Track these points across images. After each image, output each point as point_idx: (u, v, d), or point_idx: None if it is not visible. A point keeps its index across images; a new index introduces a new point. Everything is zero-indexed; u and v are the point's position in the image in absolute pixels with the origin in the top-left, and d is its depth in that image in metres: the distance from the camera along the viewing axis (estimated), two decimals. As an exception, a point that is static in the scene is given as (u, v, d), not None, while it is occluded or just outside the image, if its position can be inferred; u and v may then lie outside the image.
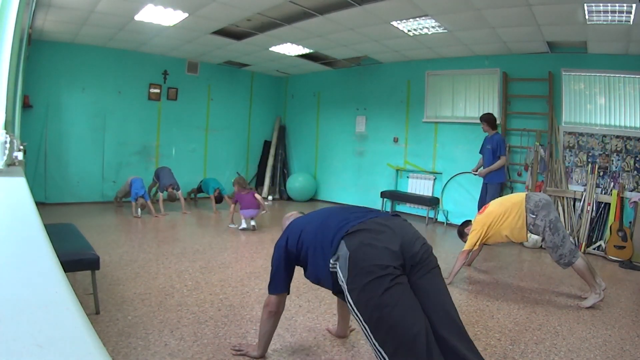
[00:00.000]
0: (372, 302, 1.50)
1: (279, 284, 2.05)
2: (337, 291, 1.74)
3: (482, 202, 5.23)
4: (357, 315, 1.57)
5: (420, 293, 1.57)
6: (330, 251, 1.70)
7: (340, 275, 1.64)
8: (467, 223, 3.94)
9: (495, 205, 3.59)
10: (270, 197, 8.59)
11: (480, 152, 5.71)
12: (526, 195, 3.46)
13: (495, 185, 5.38)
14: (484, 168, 5.56)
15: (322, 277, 1.81)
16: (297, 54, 7.06)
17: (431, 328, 1.50)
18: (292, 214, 2.37)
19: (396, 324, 1.47)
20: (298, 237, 1.95)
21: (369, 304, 1.51)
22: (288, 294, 2.12)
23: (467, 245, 3.59)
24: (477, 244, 3.55)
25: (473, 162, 6.34)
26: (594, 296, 3.22)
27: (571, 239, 3.50)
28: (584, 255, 3.46)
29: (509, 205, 3.45)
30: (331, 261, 1.69)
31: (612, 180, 5.24)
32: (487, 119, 5.50)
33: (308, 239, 1.90)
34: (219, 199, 6.90)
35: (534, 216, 3.31)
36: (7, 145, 1.78)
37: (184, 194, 6.96)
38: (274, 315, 2.11)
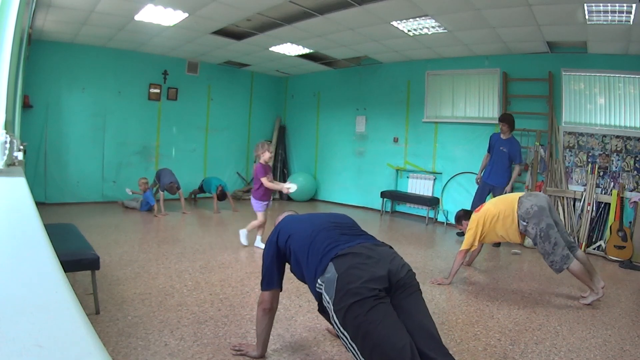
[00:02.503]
0: (358, 320, 1.56)
1: (272, 280, 2.06)
2: (322, 310, 1.81)
3: (477, 203, 5.06)
4: (343, 335, 1.61)
5: (402, 312, 1.64)
6: (319, 270, 1.75)
7: (325, 296, 1.69)
8: (467, 212, 3.90)
9: (491, 205, 3.57)
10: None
11: (488, 152, 5.55)
12: (519, 199, 3.38)
13: (502, 189, 5.24)
14: (491, 169, 5.40)
15: (311, 291, 1.86)
16: (297, 54, 7.06)
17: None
18: (284, 215, 2.38)
19: (383, 339, 1.53)
20: (286, 239, 1.99)
21: (355, 322, 1.56)
22: (281, 290, 2.13)
23: (464, 245, 3.59)
24: (474, 243, 3.55)
25: (473, 162, 6.34)
26: (593, 295, 3.23)
27: (569, 239, 3.42)
28: (584, 253, 3.47)
29: (503, 208, 3.42)
30: (319, 281, 1.74)
31: (612, 180, 5.24)
32: (510, 121, 5.31)
33: (295, 247, 1.93)
34: (221, 197, 6.91)
35: (525, 223, 3.29)
36: (7, 145, 1.78)
37: (185, 194, 6.97)
38: (269, 312, 2.12)
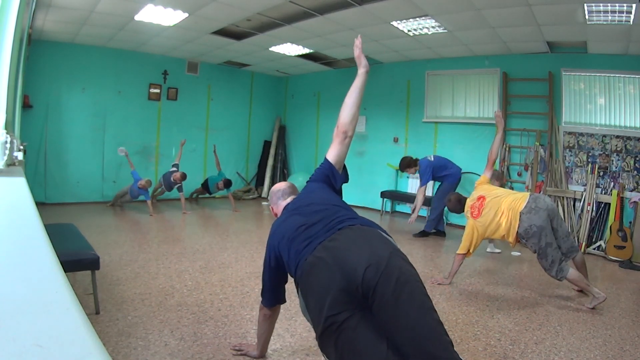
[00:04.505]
0: (331, 349, 1.48)
1: (271, 298, 1.99)
2: None
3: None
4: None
5: (386, 325, 1.43)
6: (298, 292, 1.66)
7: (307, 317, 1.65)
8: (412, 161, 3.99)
9: (489, 211, 3.45)
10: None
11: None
12: (520, 215, 3.25)
13: (446, 185, 5.65)
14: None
15: None
16: (297, 54, 7.06)
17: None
18: (279, 189, 2.16)
19: None
20: (277, 252, 1.80)
21: (330, 352, 1.50)
22: (285, 302, 2.04)
23: (460, 249, 3.58)
24: (470, 249, 3.54)
25: (473, 162, 6.36)
26: (595, 299, 3.20)
27: (570, 245, 3.40)
28: (582, 257, 3.48)
29: (501, 214, 3.35)
30: (300, 301, 1.68)
31: (612, 180, 5.24)
32: (407, 164, 5.69)
33: (285, 255, 1.73)
34: (227, 184, 7.01)
35: (525, 241, 3.29)
36: (7, 145, 1.78)
37: (186, 194, 6.97)
38: (269, 318, 2.09)
